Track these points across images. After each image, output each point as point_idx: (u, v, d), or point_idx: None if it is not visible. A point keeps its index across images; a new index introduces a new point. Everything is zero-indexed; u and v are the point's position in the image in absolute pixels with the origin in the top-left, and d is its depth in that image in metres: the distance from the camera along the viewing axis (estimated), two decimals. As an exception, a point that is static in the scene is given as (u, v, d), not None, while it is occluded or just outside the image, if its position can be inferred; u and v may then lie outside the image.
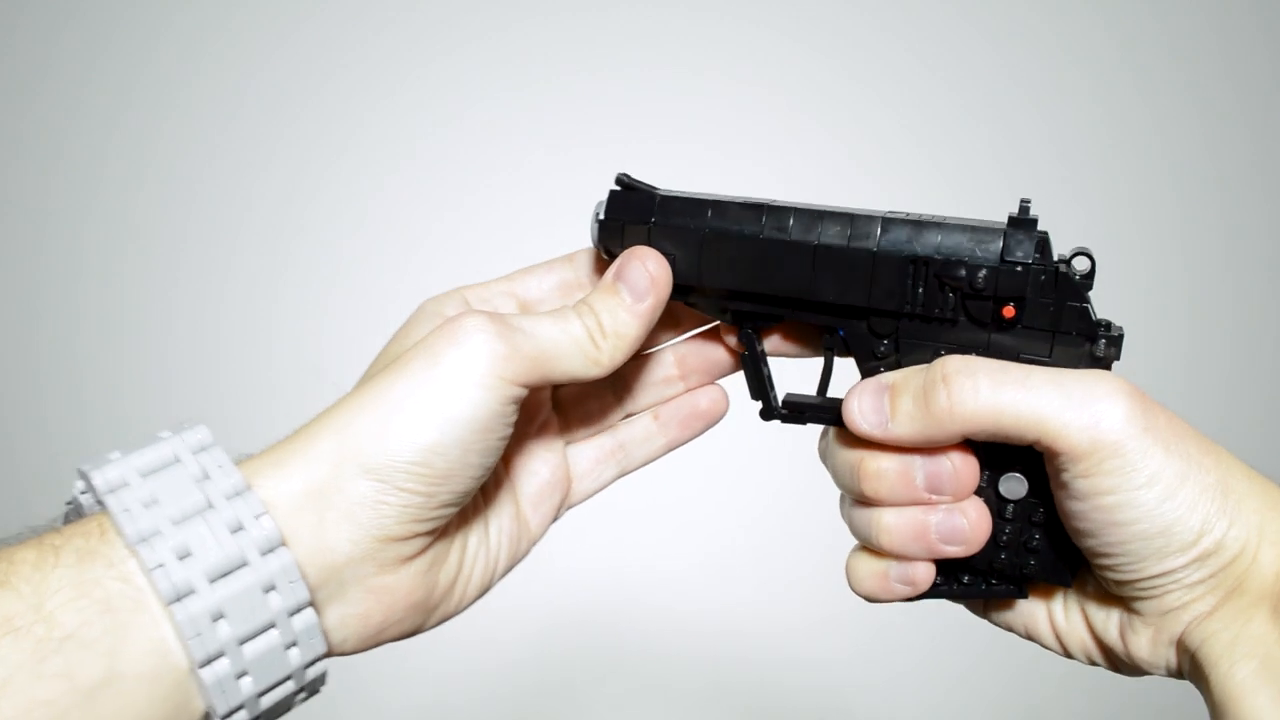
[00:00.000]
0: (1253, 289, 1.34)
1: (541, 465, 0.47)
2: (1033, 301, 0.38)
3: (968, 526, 0.40)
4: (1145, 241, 1.33)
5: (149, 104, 1.34)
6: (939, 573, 0.42)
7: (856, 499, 0.42)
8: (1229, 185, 1.34)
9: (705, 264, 0.42)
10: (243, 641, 0.33)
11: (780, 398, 0.45)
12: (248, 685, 0.33)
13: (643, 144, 1.23)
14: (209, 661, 0.32)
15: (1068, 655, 0.44)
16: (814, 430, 0.46)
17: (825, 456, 0.44)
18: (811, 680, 1.26)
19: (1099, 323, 0.39)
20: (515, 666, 1.25)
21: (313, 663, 0.36)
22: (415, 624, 0.40)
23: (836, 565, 0.45)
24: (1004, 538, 0.42)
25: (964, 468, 0.40)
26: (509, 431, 0.39)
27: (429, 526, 0.38)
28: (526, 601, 1.27)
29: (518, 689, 1.24)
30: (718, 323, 0.46)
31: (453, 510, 0.38)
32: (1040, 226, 0.39)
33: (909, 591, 0.42)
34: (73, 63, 1.33)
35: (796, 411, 0.44)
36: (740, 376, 0.47)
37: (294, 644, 0.34)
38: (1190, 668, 0.38)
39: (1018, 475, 0.41)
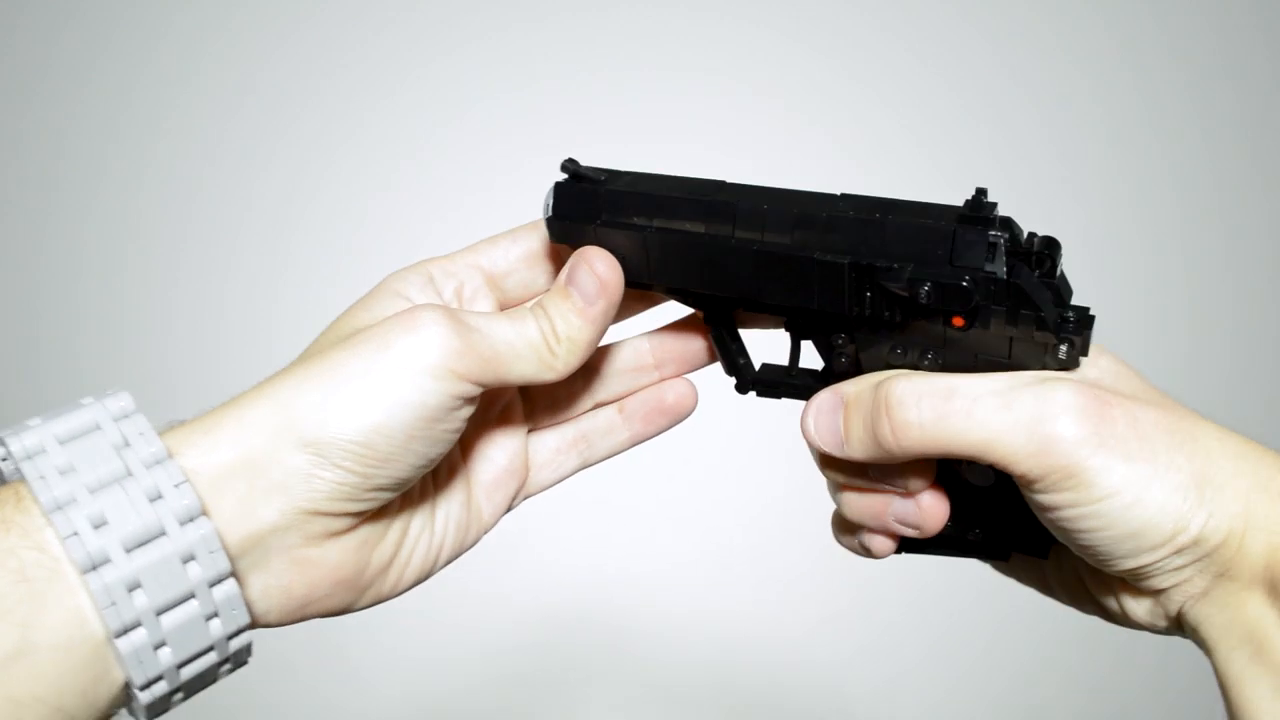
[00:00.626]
0: (1253, 289, 1.34)
1: (499, 452, 0.46)
2: (984, 308, 0.36)
3: (920, 514, 0.41)
4: (1145, 241, 1.33)
5: (149, 104, 1.34)
6: (916, 540, 0.43)
7: (822, 472, 0.43)
8: (1229, 185, 1.34)
9: (653, 264, 0.41)
10: (160, 612, 0.32)
11: (757, 367, 0.44)
12: (166, 656, 0.33)
13: (643, 144, 1.23)
14: (125, 631, 0.32)
15: (1072, 605, 0.44)
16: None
17: (803, 428, 0.44)
18: (811, 681, 1.26)
19: (1063, 320, 0.36)
20: (512, 667, 1.25)
21: (236, 634, 0.35)
22: (344, 602, 0.40)
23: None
24: (975, 515, 0.41)
25: (916, 468, 0.40)
26: (458, 427, 0.38)
27: (360, 508, 0.37)
28: (525, 601, 1.27)
29: (514, 690, 1.24)
30: (693, 311, 0.45)
31: (388, 495, 0.38)
32: (1002, 211, 0.36)
33: (868, 555, 0.43)
34: (73, 63, 1.33)
35: (770, 387, 0.43)
36: (721, 373, 0.46)
37: (215, 615, 0.34)
38: (1192, 637, 0.37)
39: (984, 467, 0.39)
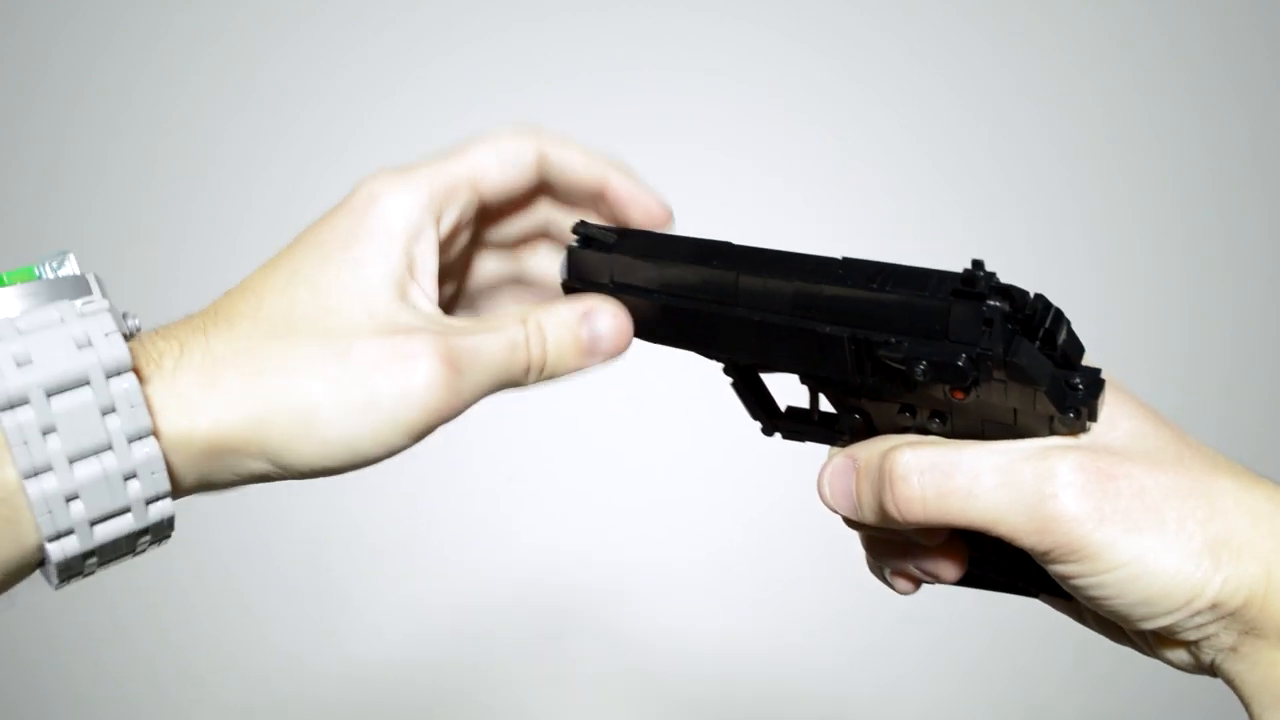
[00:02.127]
0: (1253, 289, 1.34)
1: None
2: (985, 381, 0.35)
3: (938, 567, 0.41)
4: (1145, 241, 1.33)
5: (148, 104, 1.34)
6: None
7: None
8: (1230, 185, 1.34)
9: (666, 330, 0.41)
10: (73, 460, 0.32)
11: (782, 408, 0.44)
12: (79, 509, 0.32)
13: (643, 144, 1.23)
14: (34, 474, 0.31)
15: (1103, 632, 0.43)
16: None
17: None
18: (811, 681, 1.26)
19: (1067, 388, 0.35)
20: (505, 668, 1.25)
21: (155, 500, 0.34)
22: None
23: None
24: (996, 560, 0.41)
25: (932, 531, 0.40)
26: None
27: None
28: (520, 603, 1.27)
29: (506, 690, 1.24)
30: None
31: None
32: (1002, 276, 0.35)
33: (893, 590, 0.43)
34: (72, 62, 1.33)
35: (797, 431, 0.43)
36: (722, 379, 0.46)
37: (133, 475, 0.33)
38: (1231, 687, 0.37)
39: None
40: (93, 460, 0.32)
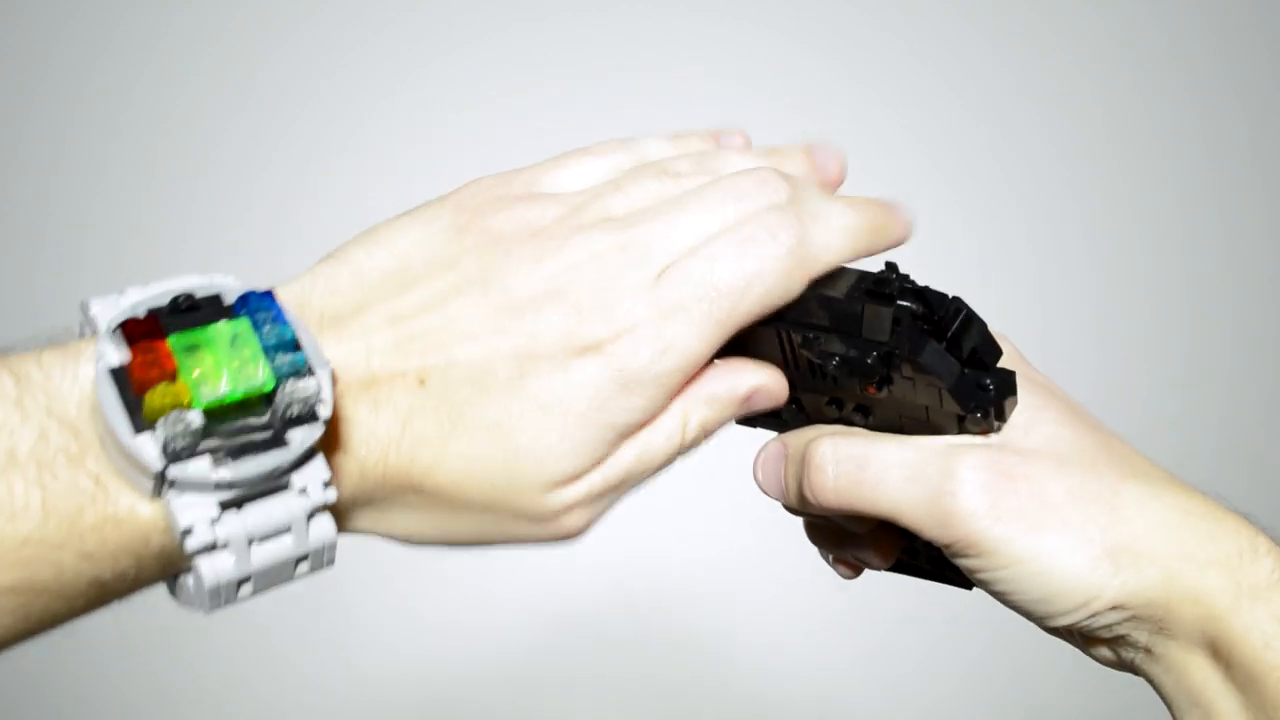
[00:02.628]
0: (1253, 288, 1.34)
1: None
2: (895, 379, 0.36)
3: (870, 553, 0.42)
4: (1145, 241, 1.33)
5: (148, 104, 1.34)
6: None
7: None
8: (1230, 185, 1.34)
9: None
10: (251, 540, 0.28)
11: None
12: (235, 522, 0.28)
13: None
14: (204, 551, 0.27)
15: None
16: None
17: None
18: (811, 681, 1.26)
19: (979, 387, 0.35)
20: (511, 661, 1.25)
21: (316, 513, 0.30)
22: None
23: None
24: (931, 553, 0.42)
25: (857, 520, 0.41)
26: None
27: None
28: (518, 600, 1.27)
29: (505, 688, 1.24)
30: None
31: None
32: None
33: (842, 574, 0.46)
34: (72, 62, 1.33)
35: (748, 421, 0.43)
36: None
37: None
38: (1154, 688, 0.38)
39: None
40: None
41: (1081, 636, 0.38)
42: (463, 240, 0.33)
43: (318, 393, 0.27)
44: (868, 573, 0.46)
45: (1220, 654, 0.33)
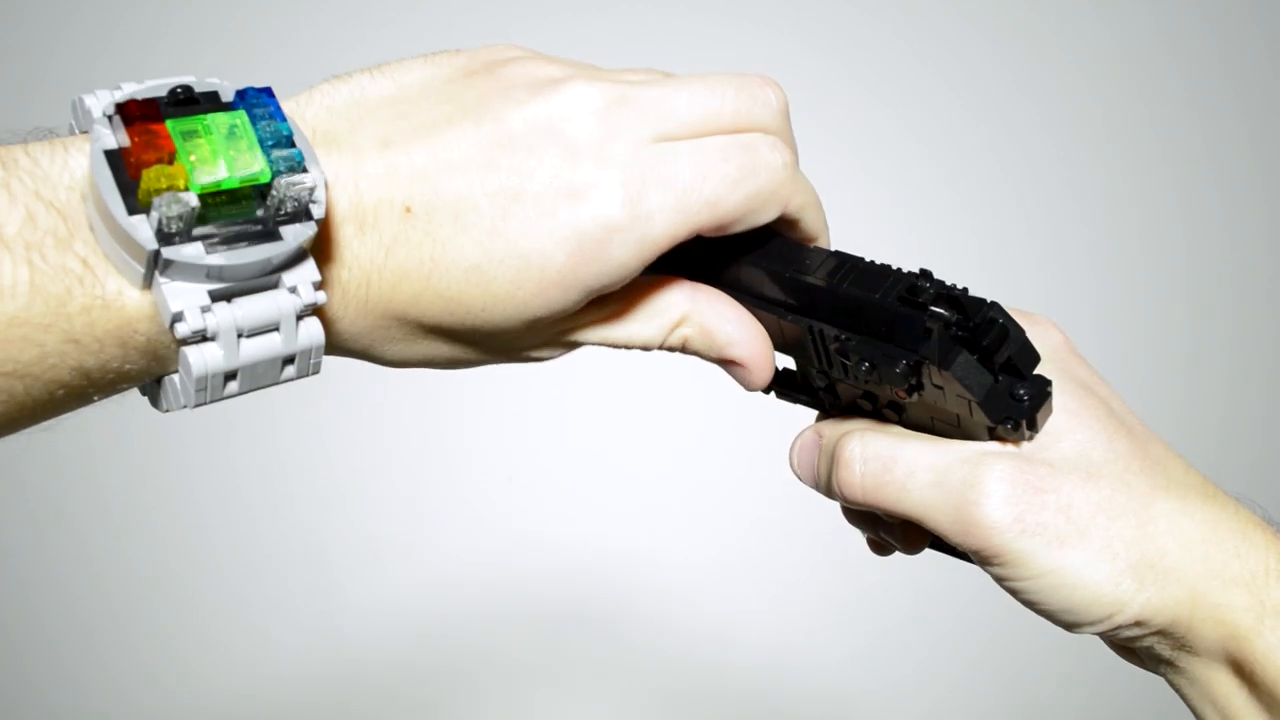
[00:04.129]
0: (1254, 288, 1.34)
1: None
2: (924, 386, 0.35)
3: (901, 539, 0.42)
4: (1145, 242, 1.33)
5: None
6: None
7: None
8: (1230, 185, 1.34)
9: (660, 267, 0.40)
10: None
11: (780, 369, 0.44)
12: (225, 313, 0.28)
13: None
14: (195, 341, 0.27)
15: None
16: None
17: None
18: (810, 681, 1.26)
19: (1012, 398, 0.35)
20: (509, 669, 1.25)
21: (305, 315, 0.29)
22: None
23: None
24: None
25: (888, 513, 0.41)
26: None
27: None
28: (521, 593, 1.27)
29: (501, 684, 1.24)
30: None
31: None
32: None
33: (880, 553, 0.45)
34: (72, 62, 1.33)
35: (785, 393, 0.43)
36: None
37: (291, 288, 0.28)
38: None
39: None
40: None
41: (1107, 640, 0.38)
42: (469, 80, 0.32)
43: (312, 191, 0.27)
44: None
45: (1243, 673, 0.33)
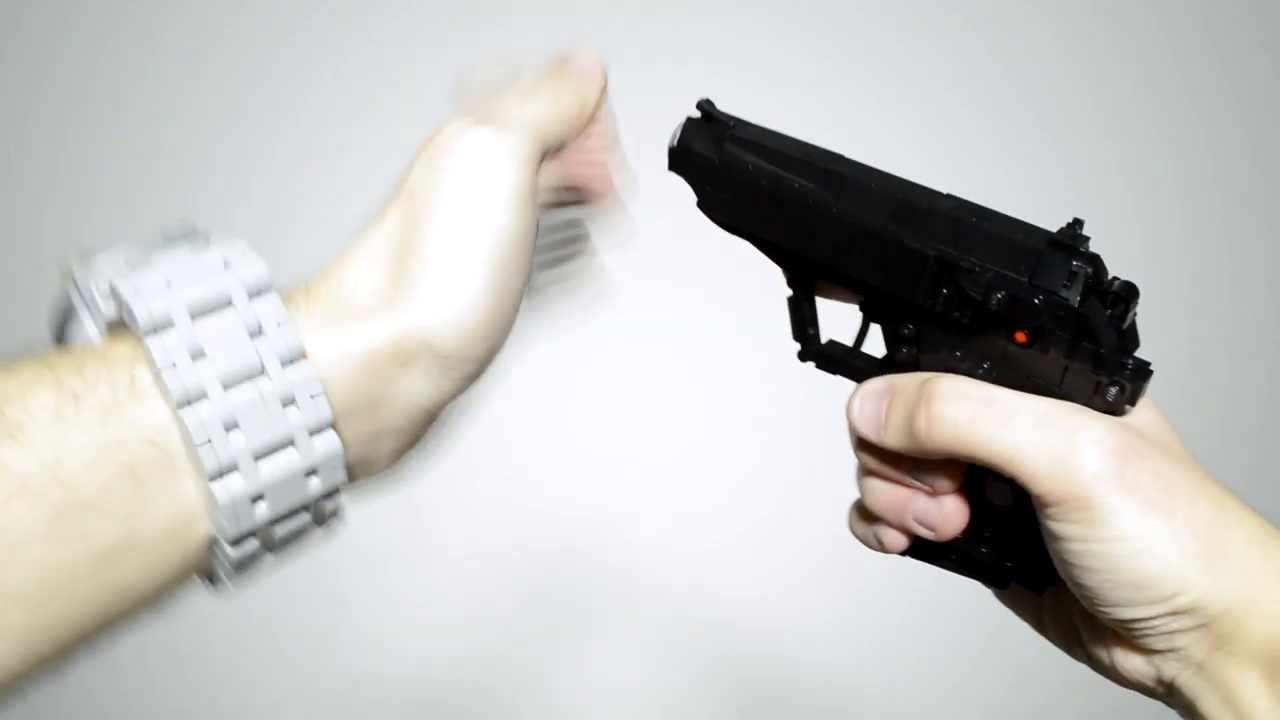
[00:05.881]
0: (1254, 288, 1.34)
1: None
2: (1049, 332, 0.37)
3: (940, 518, 0.41)
4: (1146, 242, 1.33)
5: (148, 105, 1.34)
6: (926, 545, 0.43)
7: (856, 456, 0.43)
8: (1231, 184, 1.34)
9: (757, 216, 0.42)
10: (258, 457, 0.30)
11: (823, 341, 0.45)
12: (263, 510, 0.31)
13: (642, 143, 1.23)
14: (221, 475, 0.29)
15: (1059, 646, 0.44)
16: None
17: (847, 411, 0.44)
18: (810, 680, 1.26)
19: (1122, 364, 0.37)
20: (514, 670, 1.25)
21: (332, 493, 0.33)
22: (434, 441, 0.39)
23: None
24: (987, 533, 0.42)
25: (946, 469, 0.40)
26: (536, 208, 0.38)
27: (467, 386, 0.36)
28: (520, 592, 1.27)
29: (505, 671, 1.24)
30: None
31: (507, 328, 0.37)
32: (1091, 246, 0.37)
33: (880, 549, 0.43)
34: (72, 63, 1.33)
35: (830, 362, 0.44)
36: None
37: (314, 471, 0.32)
38: (1185, 714, 0.37)
39: (1006, 485, 0.40)
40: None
41: (1126, 645, 0.38)
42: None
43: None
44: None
45: (1278, 674, 0.34)
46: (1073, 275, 0.36)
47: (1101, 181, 1.33)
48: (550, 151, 0.39)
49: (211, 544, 0.31)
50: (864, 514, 0.44)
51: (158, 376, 0.29)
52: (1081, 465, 0.34)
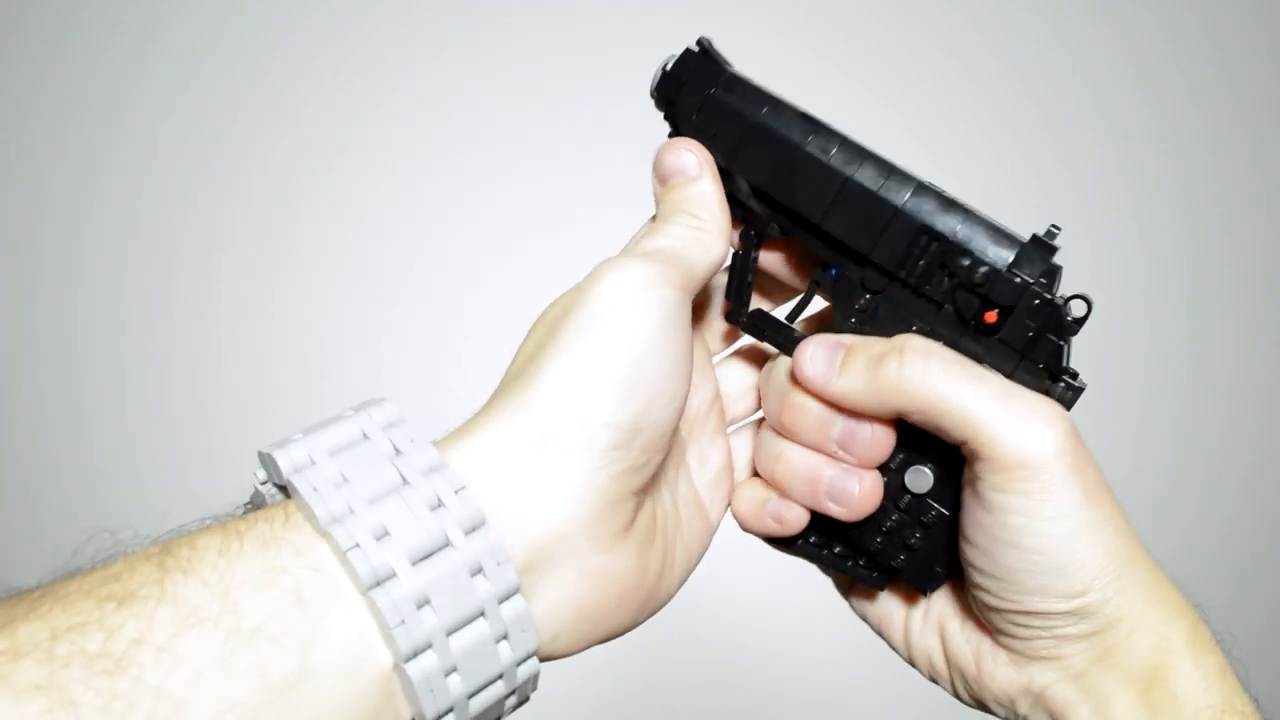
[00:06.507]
0: (1254, 288, 1.34)
1: (715, 452, 0.45)
2: (1016, 319, 0.38)
3: (856, 493, 0.40)
4: (1147, 244, 1.33)
5: (148, 105, 1.34)
6: (815, 532, 0.43)
7: (773, 425, 0.42)
8: (1232, 184, 1.34)
9: (742, 151, 0.42)
10: (450, 632, 0.29)
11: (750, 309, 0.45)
12: (456, 684, 0.30)
13: (643, 143, 1.23)
14: (415, 654, 0.29)
15: (911, 663, 0.45)
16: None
17: (764, 379, 0.44)
18: (810, 679, 1.26)
19: (1067, 368, 0.39)
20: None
21: (524, 660, 0.32)
22: (630, 616, 0.37)
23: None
24: (887, 524, 0.42)
25: (880, 439, 0.40)
26: (689, 340, 0.37)
27: (639, 478, 0.35)
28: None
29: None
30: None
31: (658, 454, 0.36)
32: (1059, 258, 0.39)
33: (776, 529, 0.43)
34: (72, 64, 1.33)
35: (758, 326, 0.44)
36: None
37: (504, 637, 0.31)
38: None
39: (926, 470, 0.41)
40: (467, 630, 0.30)
41: (1017, 646, 0.38)
42: None
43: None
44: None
45: (1154, 691, 0.35)
46: (1050, 272, 0.38)
47: (1101, 182, 1.33)
48: (700, 276, 0.39)
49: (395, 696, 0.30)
50: (756, 492, 0.43)
51: (344, 559, 0.29)
52: (1042, 435, 0.35)
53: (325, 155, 1.33)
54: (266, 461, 0.31)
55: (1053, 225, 0.39)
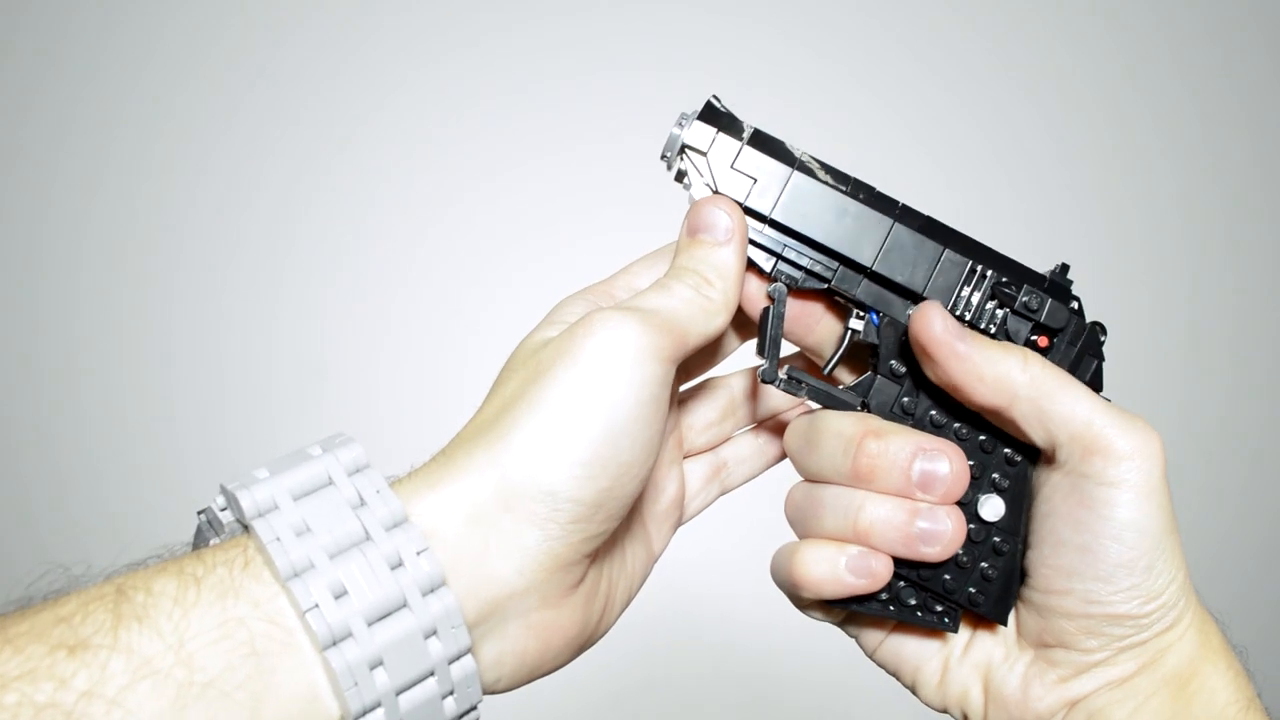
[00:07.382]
0: (1254, 288, 1.34)
1: (670, 483, 0.45)
2: (1062, 343, 0.42)
3: (948, 533, 0.39)
4: (1146, 243, 1.33)
5: (149, 105, 1.34)
6: (891, 586, 0.43)
7: (844, 476, 0.41)
8: (1231, 185, 1.34)
9: (784, 198, 0.42)
10: (400, 691, 0.30)
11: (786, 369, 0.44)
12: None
13: (642, 143, 1.23)
14: (364, 713, 0.29)
15: (942, 708, 0.45)
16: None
17: (806, 434, 0.43)
18: (809, 679, 1.25)
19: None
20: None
21: (467, 712, 0.33)
22: (570, 657, 0.38)
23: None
24: (963, 559, 0.42)
25: (960, 474, 0.40)
26: (665, 415, 0.37)
27: (595, 544, 0.35)
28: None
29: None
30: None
31: (618, 521, 0.36)
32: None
33: (864, 585, 0.41)
34: (73, 64, 1.33)
35: (796, 382, 0.43)
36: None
37: (451, 693, 0.32)
38: None
39: (999, 497, 0.41)
40: (417, 689, 0.30)
41: (1078, 647, 0.39)
42: None
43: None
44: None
45: (1189, 687, 0.37)
46: (1076, 300, 0.42)
47: (1101, 182, 1.33)
48: (693, 344, 0.38)
49: None
50: (825, 553, 0.42)
51: (301, 616, 0.29)
52: (1151, 434, 0.38)
53: (325, 155, 1.33)
54: (230, 498, 0.31)
55: (1062, 263, 0.43)
